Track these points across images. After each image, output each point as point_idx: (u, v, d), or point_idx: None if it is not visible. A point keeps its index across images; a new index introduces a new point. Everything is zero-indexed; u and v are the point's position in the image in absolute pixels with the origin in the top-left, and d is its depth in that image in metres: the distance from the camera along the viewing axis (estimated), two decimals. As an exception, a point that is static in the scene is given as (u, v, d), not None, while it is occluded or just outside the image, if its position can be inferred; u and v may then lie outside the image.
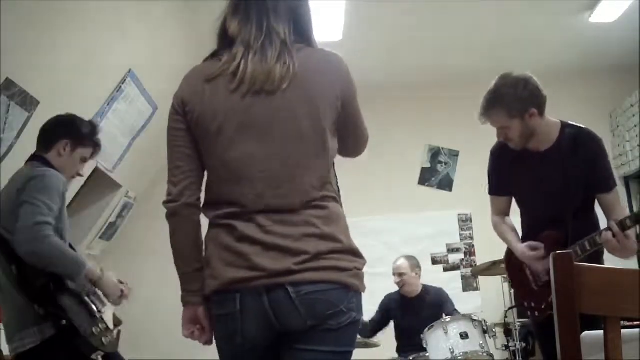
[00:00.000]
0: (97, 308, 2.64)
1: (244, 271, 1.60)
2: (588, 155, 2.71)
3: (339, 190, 1.77)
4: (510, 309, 4.53)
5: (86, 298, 2.61)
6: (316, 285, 1.58)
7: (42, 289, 2.48)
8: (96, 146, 2.88)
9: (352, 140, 1.80)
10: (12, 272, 2.49)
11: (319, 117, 1.64)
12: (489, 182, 3.05)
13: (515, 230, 3.00)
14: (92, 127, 2.89)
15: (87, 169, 4.54)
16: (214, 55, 1.75)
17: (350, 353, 1.69)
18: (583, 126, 2.81)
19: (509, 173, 2.94)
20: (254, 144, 1.64)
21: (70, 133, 2.80)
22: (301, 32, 1.74)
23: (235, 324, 1.63)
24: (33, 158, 2.80)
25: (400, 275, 5.05)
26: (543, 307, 2.82)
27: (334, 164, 1.76)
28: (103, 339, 2.58)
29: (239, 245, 1.62)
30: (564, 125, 2.80)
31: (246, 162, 1.65)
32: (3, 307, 2.61)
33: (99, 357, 2.60)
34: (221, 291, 1.64)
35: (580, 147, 2.72)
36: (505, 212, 3.05)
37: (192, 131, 1.70)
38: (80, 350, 2.50)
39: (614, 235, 2.51)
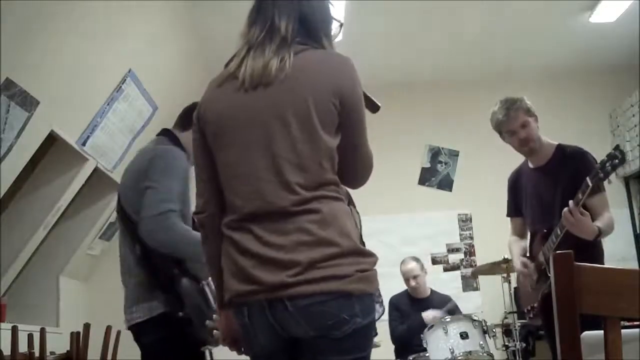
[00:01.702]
0: (213, 299, 2.57)
1: (245, 284, 1.61)
2: (576, 166, 2.94)
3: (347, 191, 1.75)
4: (509, 313, 4.56)
5: (206, 287, 2.54)
6: (313, 298, 1.55)
7: (165, 273, 2.45)
8: None
9: (349, 154, 1.70)
10: (136, 251, 2.48)
11: (308, 115, 1.60)
12: (507, 206, 3.36)
13: (523, 248, 3.24)
14: None
15: (88, 169, 4.54)
16: (229, 62, 1.76)
17: (364, 358, 1.66)
18: (574, 145, 3.12)
19: (519, 195, 3.23)
20: (244, 144, 1.64)
21: None
22: (310, 33, 1.73)
23: (249, 333, 1.66)
24: (163, 133, 2.72)
25: (415, 277, 5.06)
26: (534, 307, 3.06)
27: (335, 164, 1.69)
28: (214, 332, 2.48)
29: (240, 257, 1.62)
30: (559, 145, 3.11)
31: (237, 162, 1.65)
32: (126, 281, 2.59)
33: (208, 350, 2.55)
34: (232, 303, 1.67)
35: (570, 161, 3.01)
36: (521, 233, 3.31)
37: (205, 138, 1.72)
38: (189, 340, 2.46)
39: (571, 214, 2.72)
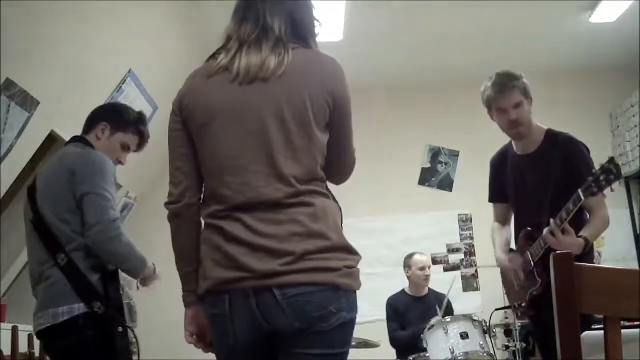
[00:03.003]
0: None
1: (232, 271, 1.60)
2: (567, 156, 2.74)
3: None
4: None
5: (131, 302, 2.57)
6: (303, 287, 1.56)
7: (101, 288, 2.44)
8: (141, 135, 2.77)
9: (336, 151, 1.73)
10: (58, 261, 2.43)
11: (304, 110, 1.63)
12: (488, 191, 3.13)
13: (507, 239, 3.06)
14: (138, 116, 2.78)
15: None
16: (213, 55, 1.76)
17: (344, 354, 1.67)
18: (565, 132, 2.86)
19: (504, 180, 3.01)
20: (238, 135, 1.65)
21: (110, 117, 2.72)
22: (299, 33, 1.74)
23: (226, 324, 1.63)
24: (76, 139, 2.71)
25: (429, 267, 5.17)
26: (522, 304, 2.91)
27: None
28: (134, 348, 2.55)
29: (227, 245, 1.61)
30: (549, 130, 2.86)
31: (229, 153, 1.65)
32: (37, 286, 2.52)
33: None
34: (211, 291, 1.65)
35: (562, 149, 2.76)
36: (504, 220, 3.13)
37: (188, 128, 1.71)
38: (116, 351, 2.44)
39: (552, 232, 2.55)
